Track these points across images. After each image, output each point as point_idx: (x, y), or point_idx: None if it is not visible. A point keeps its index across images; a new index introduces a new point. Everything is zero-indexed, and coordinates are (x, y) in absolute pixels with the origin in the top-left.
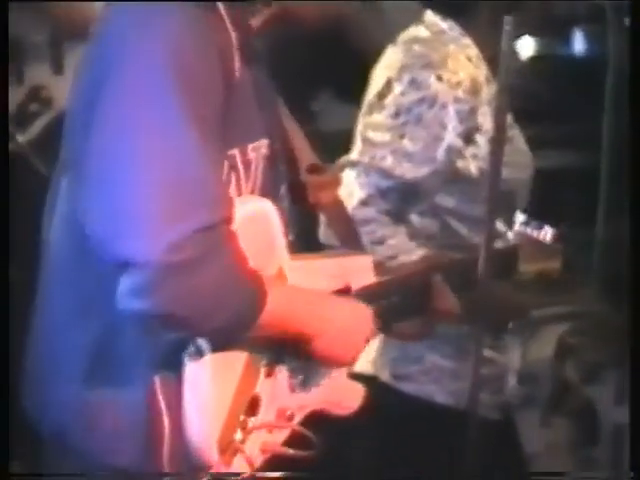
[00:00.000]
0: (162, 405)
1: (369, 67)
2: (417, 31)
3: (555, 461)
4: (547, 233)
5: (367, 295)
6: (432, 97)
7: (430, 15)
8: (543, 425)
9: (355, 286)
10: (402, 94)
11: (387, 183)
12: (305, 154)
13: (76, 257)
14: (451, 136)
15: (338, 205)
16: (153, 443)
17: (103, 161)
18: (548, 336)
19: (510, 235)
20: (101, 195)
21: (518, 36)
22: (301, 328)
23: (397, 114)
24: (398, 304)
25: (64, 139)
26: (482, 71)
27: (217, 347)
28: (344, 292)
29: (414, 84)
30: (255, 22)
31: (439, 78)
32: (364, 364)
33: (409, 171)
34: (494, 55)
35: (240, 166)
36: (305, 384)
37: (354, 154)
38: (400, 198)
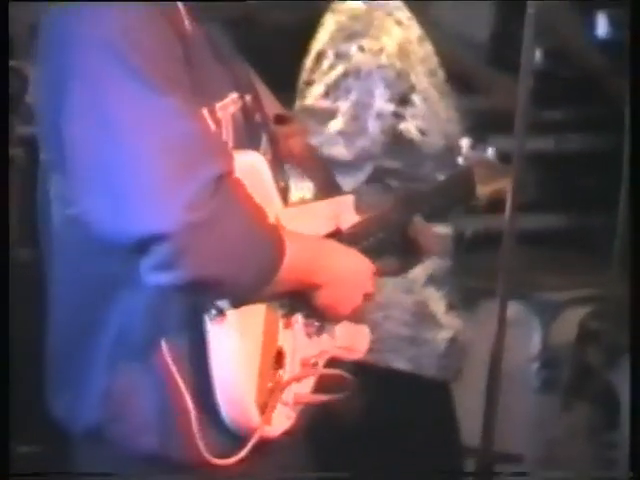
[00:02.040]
0: (179, 381)
1: None
2: (352, 3)
3: (576, 445)
4: (493, 153)
5: (355, 234)
6: (355, 68)
7: None
8: (564, 409)
9: (344, 227)
10: (329, 68)
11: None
12: (271, 104)
13: (84, 252)
14: (380, 103)
15: (310, 152)
16: (181, 423)
17: (90, 155)
18: (569, 320)
19: (460, 160)
20: (98, 187)
21: (541, 19)
22: (310, 277)
23: (327, 93)
24: (382, 241)
25: (40, 141)
26: (414, 32)
27: (238, 304)
28: (335, 234)
29: (339, 57)
30: None
31: (361, 48)
32: None
33: (344, 151)
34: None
35: (212, 126)
36: (321, 331)
37: None
38: (343, 173)
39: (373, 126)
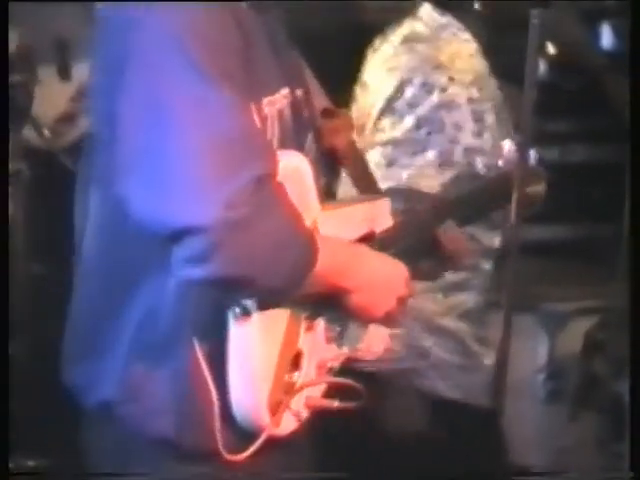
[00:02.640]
0: (206, 373)
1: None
2: (414, 27)
3: (583, 455)
4: (533, 157)
5: (388, 238)
6: (449, 100)
7: (427, 9)
8: (571, 420)
9: (378, 230)
10: (415, 98)
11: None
12: (318, 97)
13: (118, 233)
14: (467, 137)
15: (354, 149)
16: (201, 413)
17: (139, 138)
18: (575, 331)
19: (500, 163)
20: (143, 171)
21: (544, 30)
22: (341, 282)
23: (418, 126)
24: (413, 246)
25: (92, 119)
26: (485, 66)
27: (265, 306)
28: (369, 237)
29: (426, 87)
30: None
31: (451, 79)
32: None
33: (434, 183)
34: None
35: (258, 121)
36: (341, 337)
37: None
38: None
39: (459, 159)
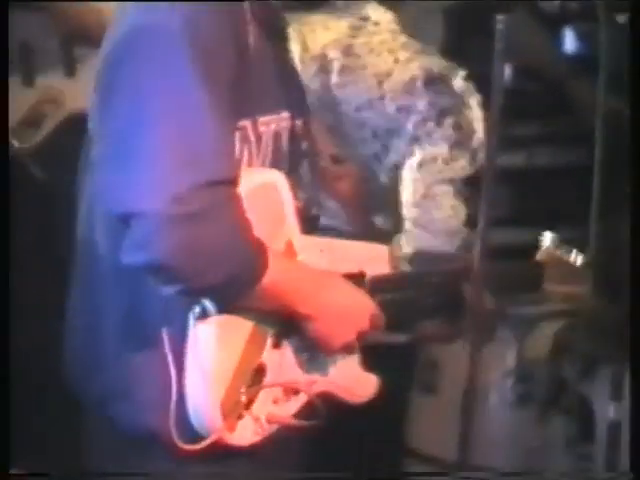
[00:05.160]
0: (170, 362)
1: None
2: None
3: (552, 458)
4: (577, 257)
5: (381, 284)
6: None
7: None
8: (540, 422)
9: (369, 272)
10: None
11: None
12: (325, 142)
13: (102, 230)
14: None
15: (356, 197)
16: (165, 406)
17: (117, 121)
18: (544, 334)
19: (538, 255)
20: (113, 151)
21: (509, 36)
22: (299, 306)
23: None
24: (414, 299)
25: (90, 116)
26: None
27: (220, 309)
28: (357, 277)
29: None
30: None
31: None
32: None
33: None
34: None
35: (252, 138)
36: (310, 363)
37: None
38: None
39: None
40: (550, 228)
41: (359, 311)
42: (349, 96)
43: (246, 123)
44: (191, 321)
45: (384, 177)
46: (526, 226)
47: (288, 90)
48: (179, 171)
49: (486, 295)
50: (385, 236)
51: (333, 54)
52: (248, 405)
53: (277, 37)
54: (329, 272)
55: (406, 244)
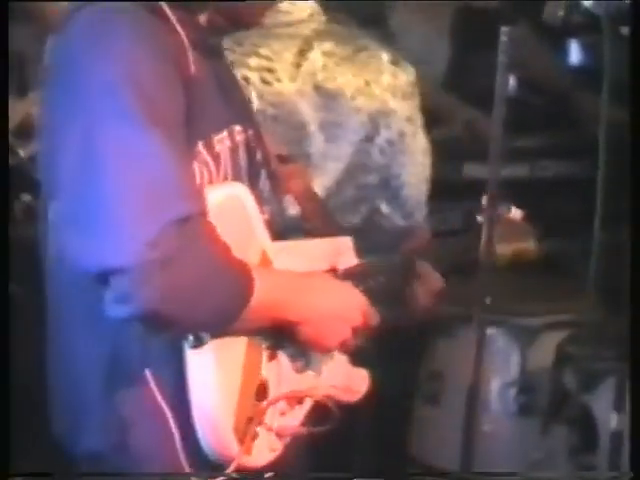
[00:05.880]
0: (162, 403)
1: None
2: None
3: (555, 468)
4: (516, 213)
5: (352, 275)
6: None
7: None
8: (542, 433)
9: (341, 267)
10: None
11: None
12: (273, 143)
13: (73, 284)
14: None
15: (310, 194)
16: (168, 444)
17: (70, 176)
18: (546, 345)
19: (479, 218)
20: (72, 209)
21: (514, 47)
22: (288, 314)
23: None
24: (384, 284)
25: (40, 165)
26: None
27: (218, 334)
28: (330, 273)
29: None
30: (202, 19)
31: None
32: None
33: None
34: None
35: (209, 160)
36: (306, 368)
37: None
38: None
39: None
40: (552, 239)
41: (349, 307)
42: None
43: (201, 146)
44: (187, 352)
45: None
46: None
47: (235, 104)
48: (146, 218)
49: (435, 274)
50: (345, 228)
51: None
52: (259, 424)
53: (214, 54)
54: (311, 273)
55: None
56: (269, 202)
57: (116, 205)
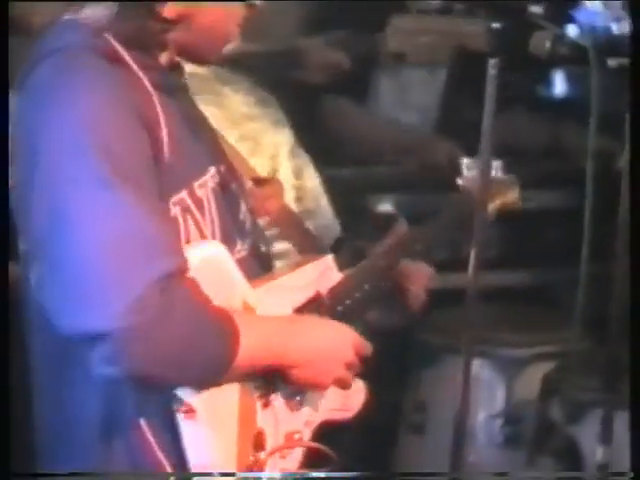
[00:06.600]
0: (159, 454)
1: None
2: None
3: None
4: (497, 168)
5: (338, 293)
6: None
7: None
8: (528, 464)
9: (324, 289)
10: None
11: None
12: (245, 168)
13: (58, 341)
14: None
15: (287, 212)
16: None
17: (43, 240)
18: (533, 376)
19: (459, 181)
20: (50, 276)
21: (501, 78)
22: (276, 361)
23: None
24: (369, 293)
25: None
26: None
27: (201, 390)
28: (316, 299)
29: None
30: (163, 58)
31: None
32: None
33: None
34: None
35: (193, 207)
36: (302, 406)
37: None
38: None
39: None
40: (539, 270)
41: (339, 344)
42: None
43: (183, 194)
44: (179, 419)
45: None
46: (516, 268)
47: (205, 141)
48: (126, 279)
49: (422, 266)
50: (324, 245)
51: None
52: (260, 471)
53: (179, 92)
54: (296, 317)
55: None
56: (250, 235)
57: (94, 267)
